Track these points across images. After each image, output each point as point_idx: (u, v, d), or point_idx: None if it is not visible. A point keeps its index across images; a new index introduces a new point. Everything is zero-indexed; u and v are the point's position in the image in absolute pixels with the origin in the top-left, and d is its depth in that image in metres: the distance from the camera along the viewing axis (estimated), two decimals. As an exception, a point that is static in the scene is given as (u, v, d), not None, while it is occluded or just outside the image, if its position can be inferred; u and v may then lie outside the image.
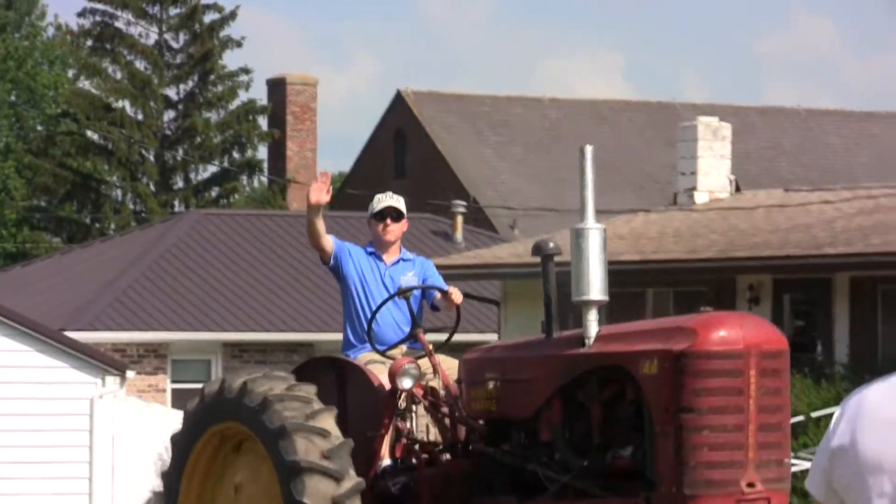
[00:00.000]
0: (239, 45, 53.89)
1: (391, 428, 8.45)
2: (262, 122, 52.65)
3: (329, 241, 8.97)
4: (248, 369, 11.03)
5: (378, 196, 9.21)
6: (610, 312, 9.33)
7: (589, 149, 8.05)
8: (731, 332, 7.61)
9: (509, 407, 8.19)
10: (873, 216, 24.48)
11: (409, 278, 8.96)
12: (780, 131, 47.16)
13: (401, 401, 8.39)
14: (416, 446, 8.65)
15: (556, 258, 8.27)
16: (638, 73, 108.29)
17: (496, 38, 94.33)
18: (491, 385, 8.17)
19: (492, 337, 27.96)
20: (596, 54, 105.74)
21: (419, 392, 8.41)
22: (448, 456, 8.68)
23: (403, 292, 8.63)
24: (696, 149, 26.63)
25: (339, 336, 9.37)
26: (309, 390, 8.22)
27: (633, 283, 24.50)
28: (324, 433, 7.99)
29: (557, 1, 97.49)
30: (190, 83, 53.03)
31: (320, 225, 8.92)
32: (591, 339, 7.85)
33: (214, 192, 54.45)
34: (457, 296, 8.85)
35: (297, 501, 7.84)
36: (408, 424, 8.56)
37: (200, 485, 8.76)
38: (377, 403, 8.40)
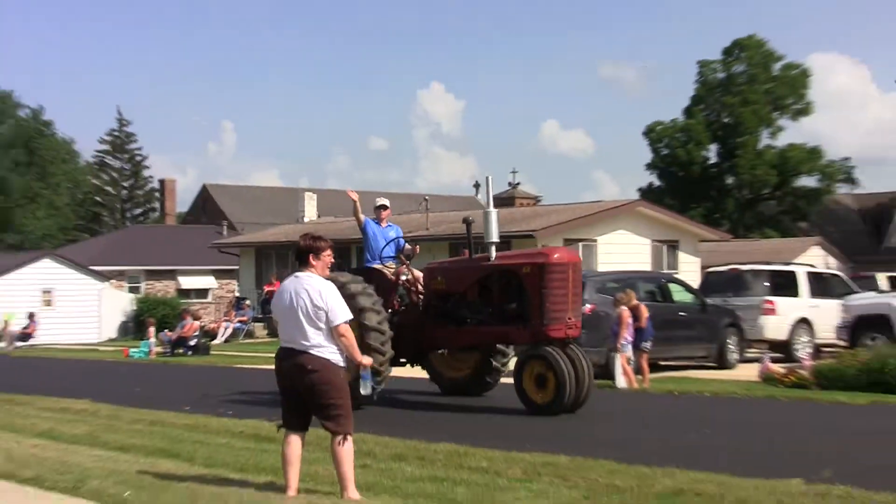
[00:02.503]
0: None
1: (395, 295, 17.13)
2: None
3: (362, 217, 17.53)
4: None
5: (381, 199, 18.42)
6: None
7: (488, 178, 17.30)
8: (562, 254, 16.13)
9: (451, 286, 16.78)
10: None
11: (391, 233, 17.74)
12: None
13: (399, 284, 17.26)
14: (404, 304, 17.31)
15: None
16: None
17: None
18: (439, 277, 16.94)
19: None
20: None
21: (404, 280, 17.27)
22: (419, 308, 17.12)
23: (403, 251, 17.66)
24: None
25: None
26: (368, 288, 16.25)
27: None
28: (373, 296, 16.07)
29: None
30: None
31: (359, 209, 17.46)
32: (493, 258, 16.38)
33: None
34: (416, 247, 18.14)
35: (366, 324, 15.52)
36: (398, 294, 17.31)
37: None
38: (389, 285, 17.04)
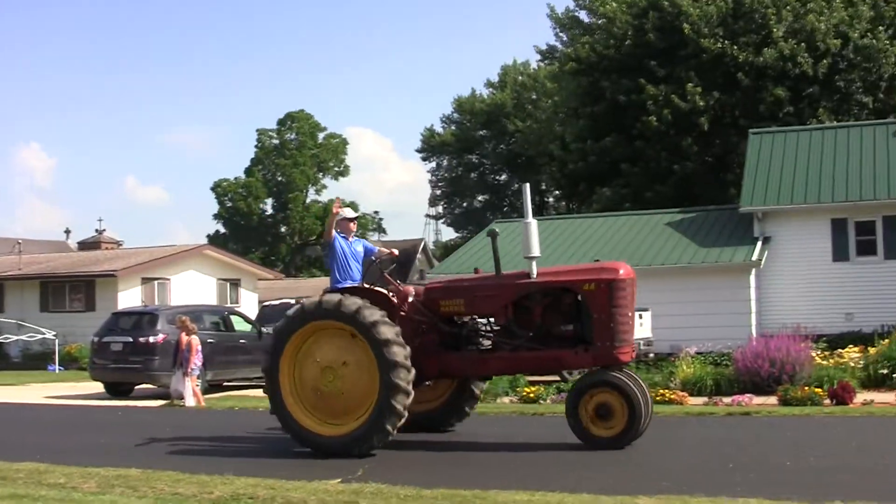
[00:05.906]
0: None
1: (397, 320, 11.89)
2: None
3: (333, 233, 12.69)
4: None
5: (347, 210, 13.35)
6: None
7: (527, 186, 12.29)
8: (626, 269, 11.94)
9: (473, 307, 12.31)
10: None
11: (359, 247, 12.91)
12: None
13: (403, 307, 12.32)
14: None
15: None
16: None
17: None
18: (452, 298, 12.33)
19: None
20: None
21: (411, 301, 12.41)
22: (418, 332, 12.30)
23: (378, 257, 12.95)
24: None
25: None
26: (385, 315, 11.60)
27: None
28: (393, 324, 11.56)
29: None
30: None
31: (332, 223, 12.74)
32: (535, 275, 12.00)
33: None
34: (393, 251, 13.30)
35: (392, 360, 11.19)
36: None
37: (291, 356, 11.91)
38: (392, 308, 12.00)
